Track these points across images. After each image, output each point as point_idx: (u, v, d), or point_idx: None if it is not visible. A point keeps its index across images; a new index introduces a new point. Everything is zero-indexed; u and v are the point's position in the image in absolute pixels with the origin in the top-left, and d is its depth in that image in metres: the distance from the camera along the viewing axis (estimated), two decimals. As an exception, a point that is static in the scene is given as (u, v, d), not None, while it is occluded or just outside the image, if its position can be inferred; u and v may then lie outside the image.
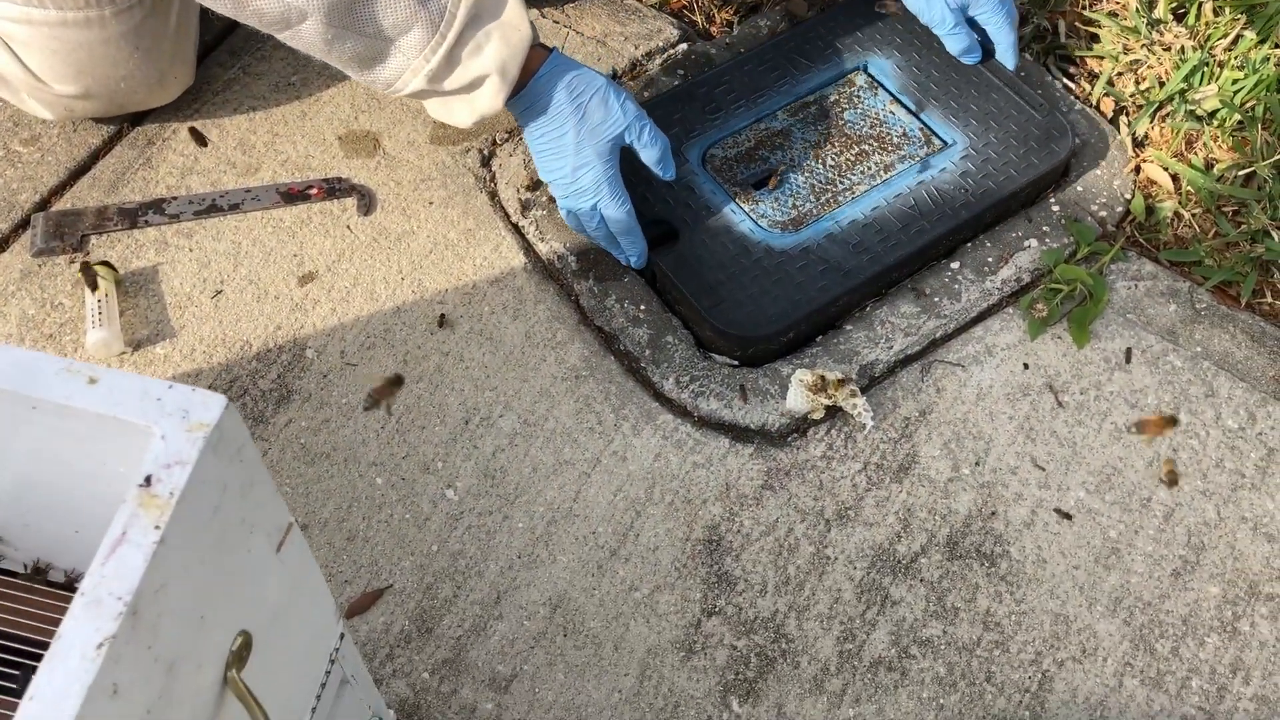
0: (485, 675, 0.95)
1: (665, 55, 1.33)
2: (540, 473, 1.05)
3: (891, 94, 1.26)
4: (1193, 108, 1.24)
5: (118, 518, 0.46)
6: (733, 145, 1.22)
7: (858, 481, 1.05)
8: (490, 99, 1.04)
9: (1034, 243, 1.18)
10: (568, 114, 1.06)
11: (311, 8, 0.94)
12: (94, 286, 1.09)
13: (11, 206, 1.18)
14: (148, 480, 0.47)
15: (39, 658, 0.70)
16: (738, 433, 1.07)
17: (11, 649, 0.73)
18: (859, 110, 1.25)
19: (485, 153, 1.24)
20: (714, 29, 1.37)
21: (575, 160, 1.07)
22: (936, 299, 1.15)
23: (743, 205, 1.18)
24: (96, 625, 0.44)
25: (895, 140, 1.23)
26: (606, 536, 1.02)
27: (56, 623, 0.73)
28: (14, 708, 0.70)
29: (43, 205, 1.18)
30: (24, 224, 1.17)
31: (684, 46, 1.33)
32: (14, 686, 0.70)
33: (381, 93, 1.06)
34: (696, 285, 1.12)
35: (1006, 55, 1.25)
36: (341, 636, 0.72)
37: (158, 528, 0.46)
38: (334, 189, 1.20)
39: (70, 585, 0.73)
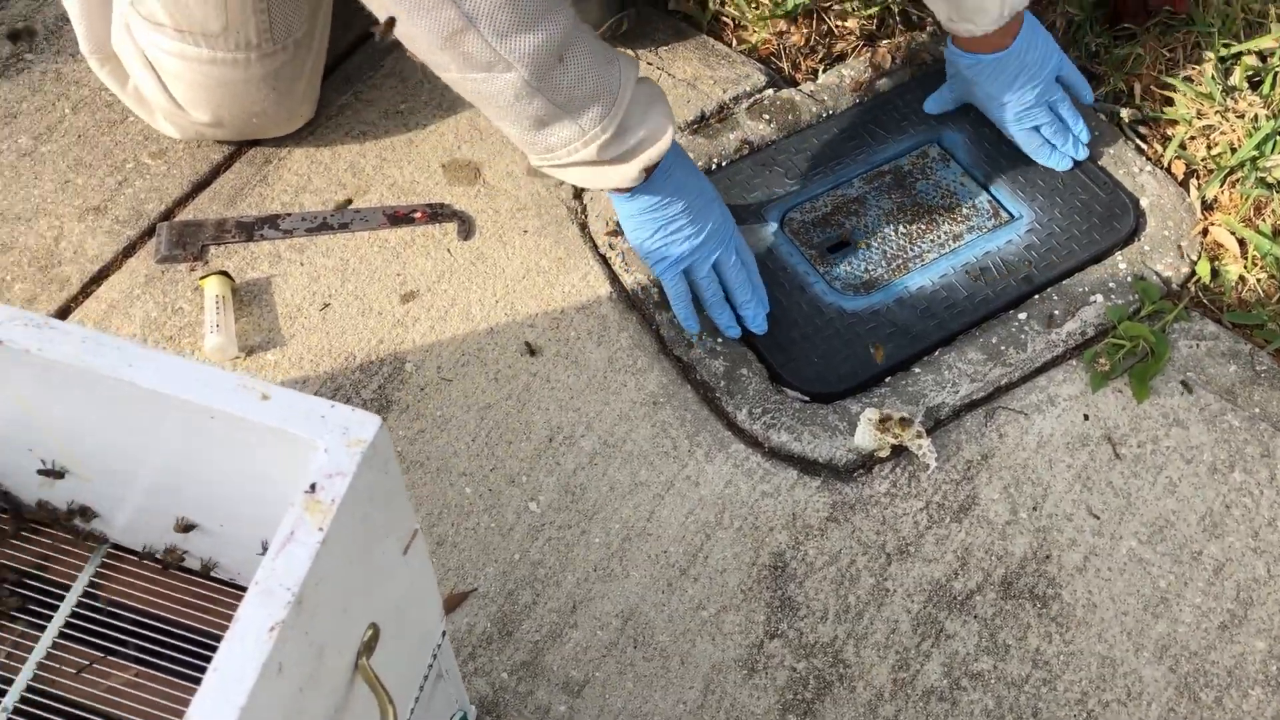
0: (560, 679, 1.02)
1: (752, 100, 1.39)
2: (617, 492, 1.12)
3: (963, 167, 1.32)
4: (1263, 175, 1.28)
5: (286, 519, 0.53)
6: (810, 210, 1.29)
7: (919, 519, 1.10)
8: (637, 172, 1.06)
9: (1099, 298, 1.23)
10: (695, 171, 1.15)
11: (520, 63, 0.96)
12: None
13: (139, 215, 1.27)
14: (313, 487, 0.54)
15: (175, 635, 0.78)
16: (806, 465, 1.13)
17: (146, 625, 0.81)
18: (931, 181, 1.31)
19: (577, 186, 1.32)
20: (799, 76, 1.43)
21: (701, 213, 1.14)
22: (1003, 348, 1.20)
23: (818, 267, 1.24)
24: (269, 612, 0.51)
25: (964, 212, 1.29)
26: (677, 556, 1.08)
27: (188, 605, 0.81)
28: (154, 678, 0.78)
29: (167, 215, 1.27)
30: (150, 232, 1.26)
31: (770, 92, 1.40)
32: (155, 660, 0.78)
33: (534, 156, 1.06)
34: (770, 341, 1.19)
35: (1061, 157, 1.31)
36: (444, 634, 0.79)
37: (321, 529, 0.53)
38: (436, 214, 1.28)
39: (205, 573, 0.81)
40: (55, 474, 0.72)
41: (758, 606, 1.06)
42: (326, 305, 1.22)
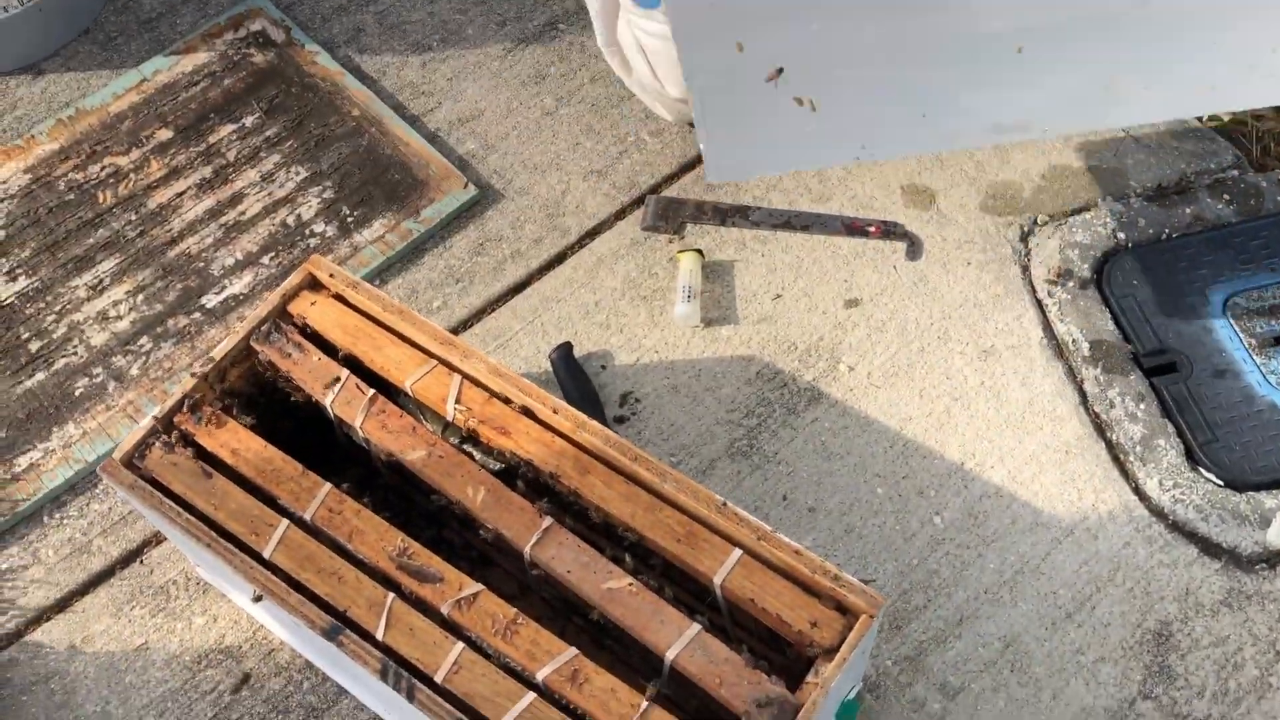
0: (938, 680, 1.12)
1: (1214, 178, 1.41)
2: (1018, 527, 1.20)
3: None
4: None
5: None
6: (1258, 299, 1.30)
7: (1316, 626, 1.12)
8: None
9: None
10: None
11: None
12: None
13: (633, 184, 1.45)
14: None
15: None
16: (1208, 546, 1.17)
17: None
18: (1396, 292, 1.30)
19: (1025, 229, 1.39)
20: (1269, 161, 1.43)
21: None
22: None
23: (1255, 357, 1.26)
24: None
25: None
26: (1065, 600, 1.16)
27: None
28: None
29: (655, 189, 1.45)
30: (639, 201, 1.44)
31: (1234, 173, 1.41)
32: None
33: None
34: (1194, 419, 1.22)
35: None
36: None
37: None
38: (889, 231, 1.39)
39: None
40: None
41: (1135, 666, 1.12)
42: (779, 296, 1.36)
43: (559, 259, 1.40)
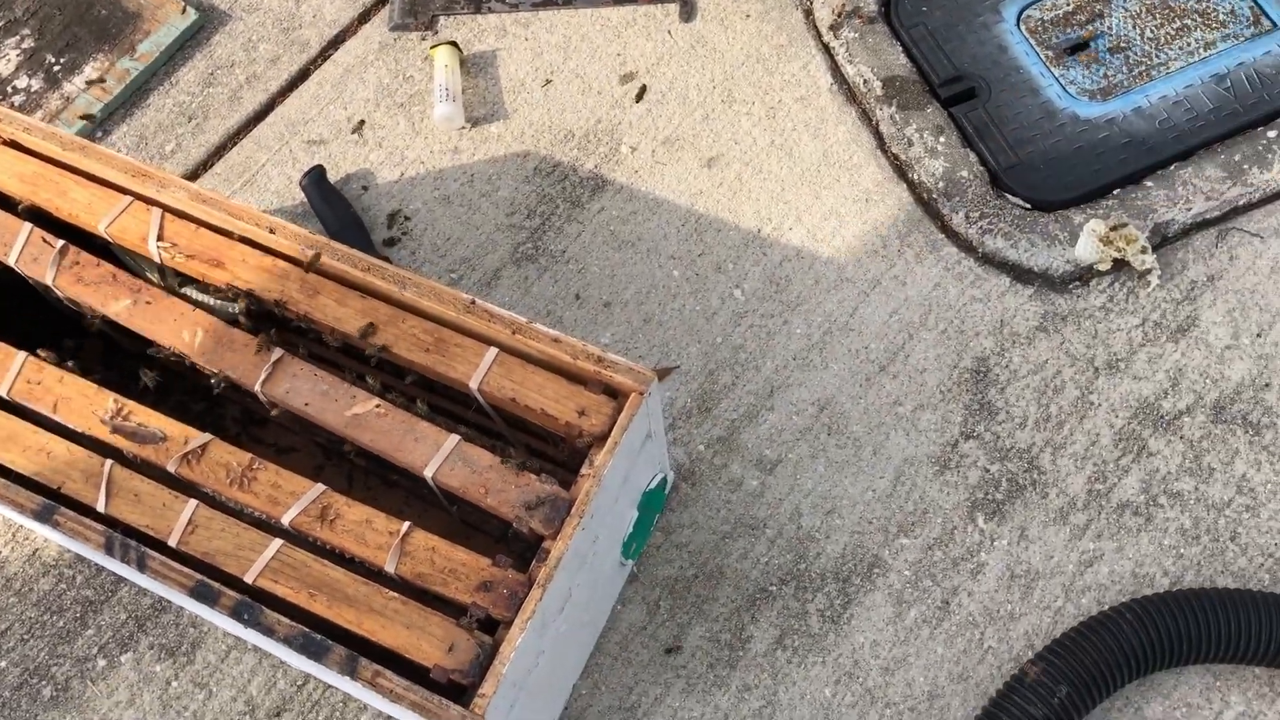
0: (754, 456, 1.06)
1: (998, -116, 1.30)
2: (822, 286, 1.12)
3: None
4: None
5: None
6: (1051, 8, 1.21)
7: (1133, 336, 1.07)
8: None
9: (1366, 120, 1.13)
10: None
11: None
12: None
13: (374, -17, 1.30)
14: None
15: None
16: (1020, 273, 1.11)
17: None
18: (1191, -22, 1.21)
19: (805, -29, 1.28)
20: None
21: None
22: (1245, 166, 1.13)
23: (1053, 69, 1.18)
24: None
25: (1221, 18, 1.19)
26: (877, 353, 1.09)
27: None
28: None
29: (400, -16, 1.30)
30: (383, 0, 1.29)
31: (1019, -123, 1.30)
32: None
33: None
34: (996, 145, 1.14)
35: None
36: (649, 395, 0.83)
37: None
38: (659, -6, 1.26)
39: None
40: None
41: (955, 408, 1.06)
42: (549, 81, 1.24)
43: (301, 76, 1.26)
